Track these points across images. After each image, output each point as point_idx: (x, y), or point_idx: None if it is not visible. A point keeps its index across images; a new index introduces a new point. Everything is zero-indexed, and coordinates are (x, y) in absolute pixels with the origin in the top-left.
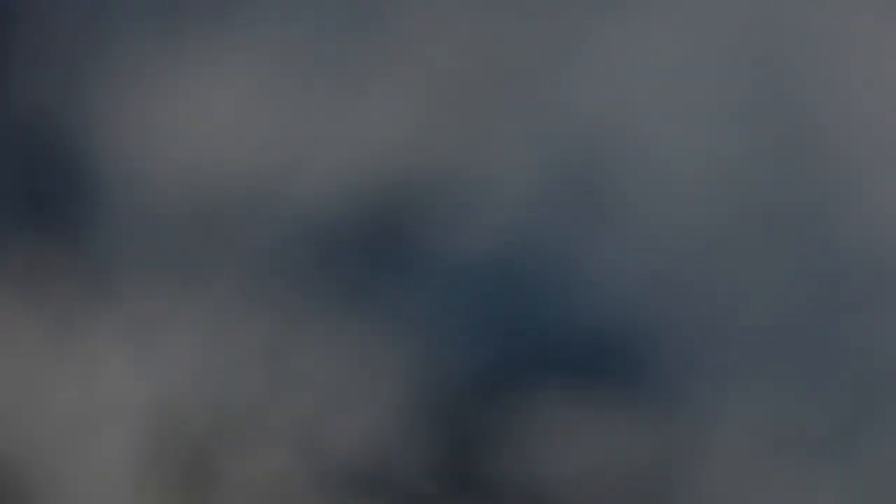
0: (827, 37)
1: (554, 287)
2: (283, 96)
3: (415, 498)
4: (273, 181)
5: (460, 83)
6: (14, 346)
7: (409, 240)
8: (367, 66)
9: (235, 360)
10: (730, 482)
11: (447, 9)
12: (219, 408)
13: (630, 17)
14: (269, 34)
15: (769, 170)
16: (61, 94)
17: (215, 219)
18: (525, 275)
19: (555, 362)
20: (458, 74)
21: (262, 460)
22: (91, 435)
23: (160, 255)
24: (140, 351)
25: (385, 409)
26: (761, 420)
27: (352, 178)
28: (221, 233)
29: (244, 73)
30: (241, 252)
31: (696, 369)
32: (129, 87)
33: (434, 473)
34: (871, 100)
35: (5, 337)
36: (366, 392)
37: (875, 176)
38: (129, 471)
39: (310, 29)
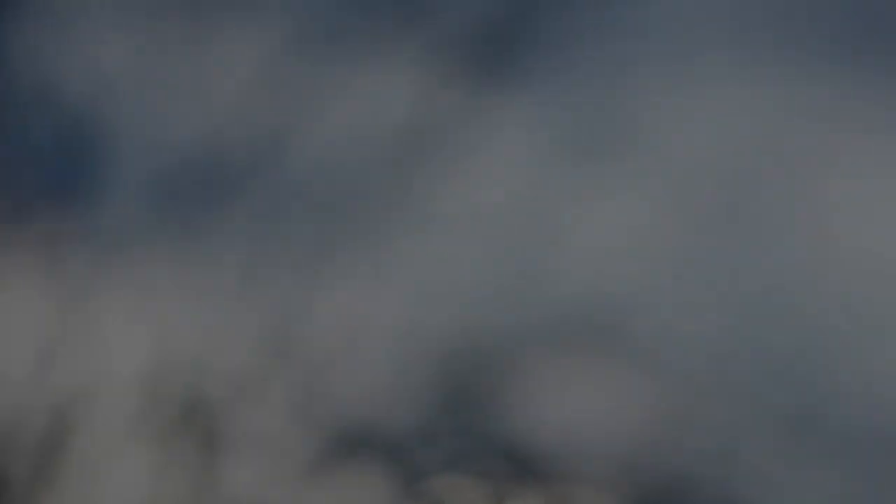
0: (808, 198)
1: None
2: (285, 73)
3: (406, 458)
4: (275, 138)
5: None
6: (30, 311)
7: (406, 195)
8: None
9: (235, 323)
10: (715, 446)
11: None
12: (220, 368)
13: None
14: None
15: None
16: (75, 64)
17: (218, 182)
18: (520, 235)
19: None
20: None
21: (261, 419)
22: (100, 395)
23: (166, 221)
24: (145, 314)
25: (379, 369)
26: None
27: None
28: (224, 196)
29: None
30: (242, 215)
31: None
32: (144, 55)
33: (426, 434)
34: (852, 268)
35: (23, 302)
36: (360, 352)
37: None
38: (132, 427)
39: None
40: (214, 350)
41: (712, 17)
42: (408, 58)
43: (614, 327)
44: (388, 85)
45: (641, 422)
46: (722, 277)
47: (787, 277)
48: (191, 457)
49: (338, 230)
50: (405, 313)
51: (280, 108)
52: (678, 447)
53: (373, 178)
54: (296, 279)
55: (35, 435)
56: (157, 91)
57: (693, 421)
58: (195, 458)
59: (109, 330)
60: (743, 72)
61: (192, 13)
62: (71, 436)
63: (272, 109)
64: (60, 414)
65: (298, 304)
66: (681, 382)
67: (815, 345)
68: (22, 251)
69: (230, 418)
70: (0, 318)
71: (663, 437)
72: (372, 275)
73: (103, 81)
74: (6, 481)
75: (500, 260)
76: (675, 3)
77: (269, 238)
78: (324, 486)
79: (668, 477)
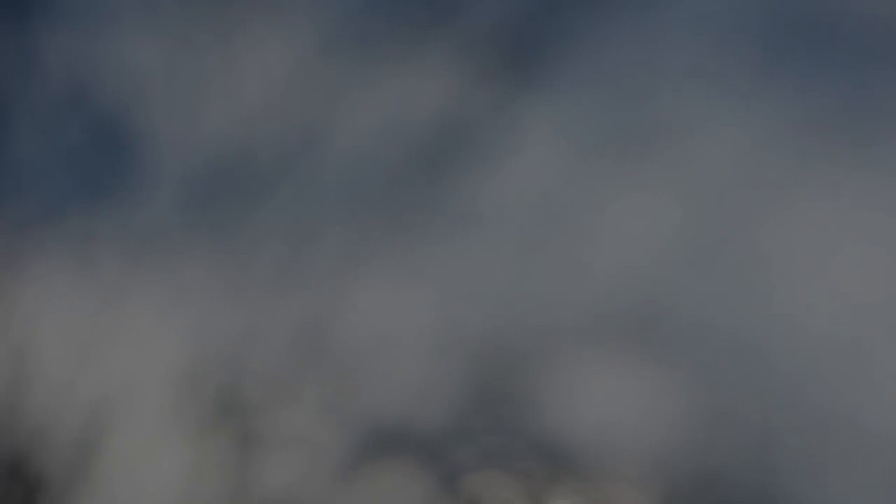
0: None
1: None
2: (316, 74)
3: (441, 456)
4: (307, 139)
5: None
6: (66, 311)
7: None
8: None
9: (270, 322)
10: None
11: None
12: (254, 368)
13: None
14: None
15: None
16: (108, 67)
17: (251, 182)
18: (552, 233)
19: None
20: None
21: (296, 418)
22: (135, 395)
23: (199, 221)
24: (180, 315)
25: (413, 367)
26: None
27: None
28: (256, 196)
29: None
30: (275, 215)
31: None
32: (175, 56)
33: (461, 432)
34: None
35: (58, 303)
36: (394, 351)
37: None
38: (167, 427)
39: None
40: (249, 350)
41: (738, 19)
42: (438, 58)
43: (647, 324)
44: (418, 86)
45: (676, 419)
46: (756, 273)
47: (823, 271)
48: (226, 456)
49: (371, 229)
50: (439, 311)
51: (312, 108)
52: (713, 444)
53: (405, 178)
54: (329, 278)
55: (71, 435)
56: (189, 92)
57: (727, 418)
58: (230, 457)
59: (144, 330)
60: (768, 73)
61: (222, 14)
62: (106, 436)
63: (304, 109)
64: (96, 414)
65: (332, 303)
66: (715, 379)
67: (851, 341)
68: (57, 252)
69: (265, 418)
70: (36, 318)
71: (698, 434)
72: (405, 273)
73: (135, 83)
74: (43, 481)
75: (532, 258)
76: (701, 5)
77: (302, 238)
78: (359, 485)
79: (703, 474)
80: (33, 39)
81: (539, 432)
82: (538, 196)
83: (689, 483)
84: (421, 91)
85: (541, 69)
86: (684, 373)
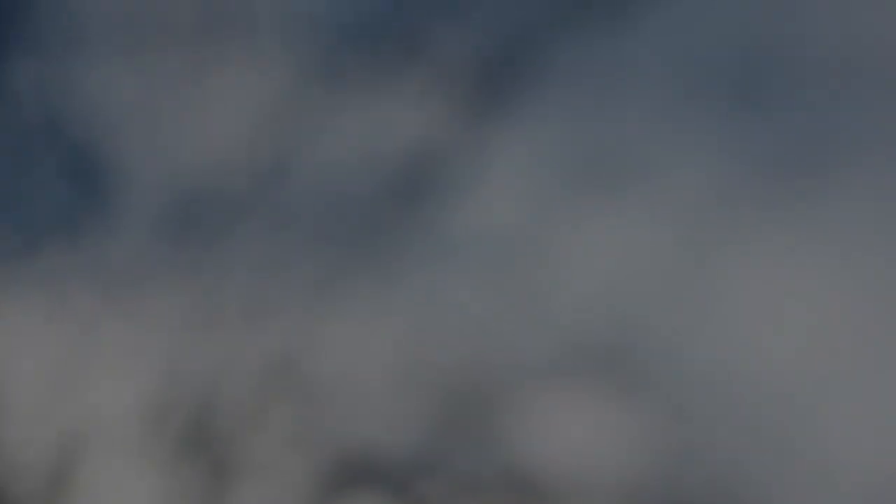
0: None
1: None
2: (290, 105)
3: (406, 485)
4: (280, 170)
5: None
6: (39, 343)
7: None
8: None
9: (240, 353)
10: (710, 471)
11: None
12: (225, 398)
13: None
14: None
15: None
16: (81, 99)
17: (223, 214)
18: (523, 263)
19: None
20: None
21: (266, 448)
22: (108, 425)
23: (171, 253)
24: (151, 345)
25: (382, 398)
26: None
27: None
28: (229, 228)
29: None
30: (247, 247)
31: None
32: (149, 89)
33: (429, 464)
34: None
35: (31, 334)
36: (363, 382)
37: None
38: (139, 456)
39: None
40: (219, 380)
41: (708, 51)
42: (410, 89)
43: (615, 355)
44: (391, 116)
45: (643, 449)
46: (724, 305)
47: (791, 303)
48: (196, 485)
49: (341, 261)
50: (407, 342)
51: (285, 140)
52: (681, 474)
53: (376, 209)
54: (299, 309)
55: (45, 465)
56: (161, 125)
57: (694, 447)
58: (200, 486)
59: (116, 361)
60: (742, 100)
61: (196, 47)
62: (80, 465)
63: (277, 141)
64: (70, 444)
65: (302, 334)
66: (682, 410)
67: (819, 372)
68: (29, 285)
69: (235, 447)
70: (9, 349)
71: (666, 464)
72: (374, 304)
73: (108, 116)
74: None
75: (502, 288)
76: (674, 37)
77: (272, 269)
78: None
79: (671, 501)
80: (5, 70)
81: (507, 463)
82: (507, 227)
83: None
84: (392, 122)
85: (512, 100)
86: (651, 403)
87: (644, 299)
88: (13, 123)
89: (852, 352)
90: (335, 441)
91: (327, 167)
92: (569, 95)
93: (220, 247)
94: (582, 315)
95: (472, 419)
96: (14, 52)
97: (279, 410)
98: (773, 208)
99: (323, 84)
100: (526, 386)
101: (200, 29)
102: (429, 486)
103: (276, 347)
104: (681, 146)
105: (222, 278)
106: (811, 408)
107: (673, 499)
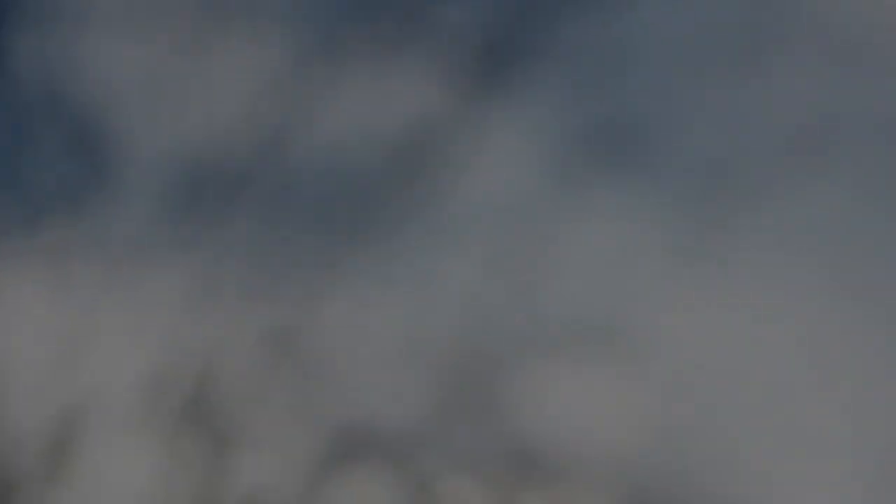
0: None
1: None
2: (288, 81)
3: (411, 461)
4: (279, 146)
5: None
6: (40, 318)
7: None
8: None
9: (242, 326)
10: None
11: None
12: (228, 371)
13: None
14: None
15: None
16: (82, 75)
17: (222, 189)
18: (522, 240)
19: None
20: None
21: (267, 421)
22: (109, 398)
23: (172, 228)
24: (153, 319)
25: (383, 372)
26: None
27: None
28: (228, 202)
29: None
30: (247, 221)
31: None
32: (150, 64)
33: (430, 437)
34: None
35: (33, 309)
36: (364, 356)
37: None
38: (140, 430)
39: None
40: (220, 354)
41: (708, 26)
42: (410, 66)
43: (616, 331)
44: (391, 93)
45: (642, 425)
46: (724, 284)
47: (781, 281)
48: (198, 458)
49: (341, 236)
50: (409, 317)
51: (285, 116)
52: (677, 448)
53: (375, 185)
54: (300, 283)
55: (46, 438)
56: (163, 100)
57: (691, 424)
58: (202, 459)
59: (117, 336)
60: (741, 76)
61: (197, 22)
62: (81, 439)
63: (278, 117)
64: (70, 418)
65: (302, 309)
66: (679, 385)
67: (814, 352)
68: (30, 260)
69: (236, 421)
70: (10, 325)
71: (663, 439)
72: (375, 279)
73: (109, 92)
74: (18, 483)
75: (501, 264)
76: (674, 14)
77: (273, 243)
78: (329, 488)
79: (669, 477)
80: (6, 45)
81: (508, 437)
82: (506, 203)
83: (654, 486)
84: (392, 99)
85: (512, 77)
86: (649, 380)
87: (643, 276)
88: (14, 98)
89: (845, 338)
90: (335, 415)
91: (327, 144)
92: (569, 72)
93: (221, 222)
94: (581, 291)
95: (471, 394)
96: (15, 28)
97: (279, 384)
98: (771, 187)
99: (324, 60)
100: (525, 362)
101: (202, 4)
102: (429, 459)
103: (277, 322)
104: (681, 124)
105: (223, 253)
106: (808, 387)
107: (670, 473)
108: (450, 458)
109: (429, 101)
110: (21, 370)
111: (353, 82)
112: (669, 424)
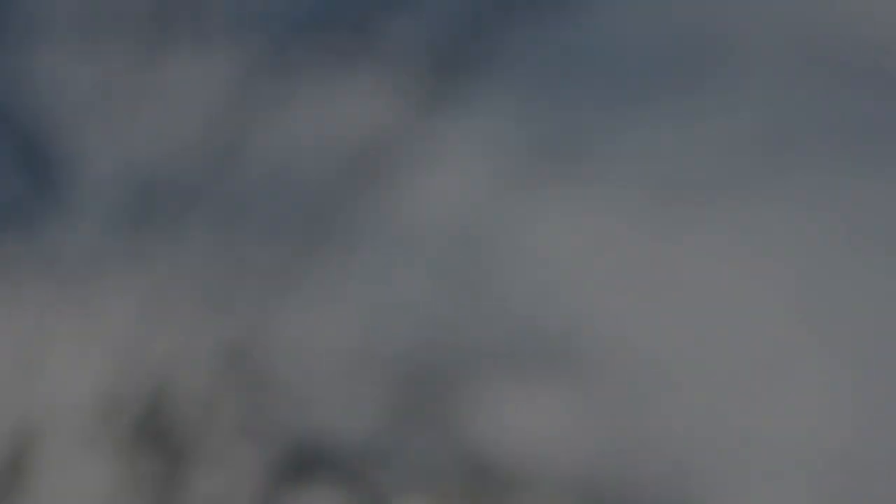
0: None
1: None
2: (242, 94)
3: (366, 478)
4: (232, 159)
5: None
6: None
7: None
8: None
9: (194, 342)
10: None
11: None
12: (180, 388)
13: None
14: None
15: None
16: (35, 89)
17: (175, 204)
18: (476, 251)
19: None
20: None
21: (220, 438)
22: (62, 416)
23: (124, 243)
24: (105, 335)
25: (337, 387)
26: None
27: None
28: (180, 218)
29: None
30: (199, 237)
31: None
32: (104, 79)
33: (379, 450)
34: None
35: None
36: (317, 370)
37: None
38: (93, 447)
39: None
40: (174, 370)
41: (660, 34)
42: (362, 78)
43: (571, 343)
44: (343, 105)
45: (599, 436)
46: (676, 291)
47: (742, 291)
48: (151, 475)
49: (295, 249)
50: (362, 330)
51: (238, 129)
52: (633, 458)
53: (328, 198)
54: (254, 298)
55: (12, 441)
56: (114, 115)
57: (648, 435)
58: (155, 475)
59: (70, 351)
60: (692, 86)
61: (148, 36)
62: (34, 457)
63: (230, 131)
64: (24, 436)
65: (256, 323)
66: (634, 395)
67: (768, 357)
68: None
69: (190, 437)
70: None
71: (618, 449)
72: (329, 292)
73: (60, 106)
74: None
75: (456, 276)
76: (624, 23)
77: (226, 258)
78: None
79: (624, 489)
80: None
81: (462, 451)
82: (461, 214)
83: (610, 498)
84: (344, 111)
85: (464, 88)
86: (606, 391)
87: (598, 287)
88: None
89: (806, 340)
90: (289, 430)
91: (280, 157)
92: (520, 83)
93: (174, 236)
94: (537, 303)
95: (426, 407)
96: None
97: (233, 400)
98: (725, 195)
99: (276, 73)
100: (481, 374)
101: (152, 18)
102: (383, 474)
103: (231, 337)
104: (632, 132)
105: (176, 268)
106: (764, 396)
107: (627, 485)
108: (404, 473)
109: (381, 112)
110: None
111: (305, 95)
112: (624, 436)
